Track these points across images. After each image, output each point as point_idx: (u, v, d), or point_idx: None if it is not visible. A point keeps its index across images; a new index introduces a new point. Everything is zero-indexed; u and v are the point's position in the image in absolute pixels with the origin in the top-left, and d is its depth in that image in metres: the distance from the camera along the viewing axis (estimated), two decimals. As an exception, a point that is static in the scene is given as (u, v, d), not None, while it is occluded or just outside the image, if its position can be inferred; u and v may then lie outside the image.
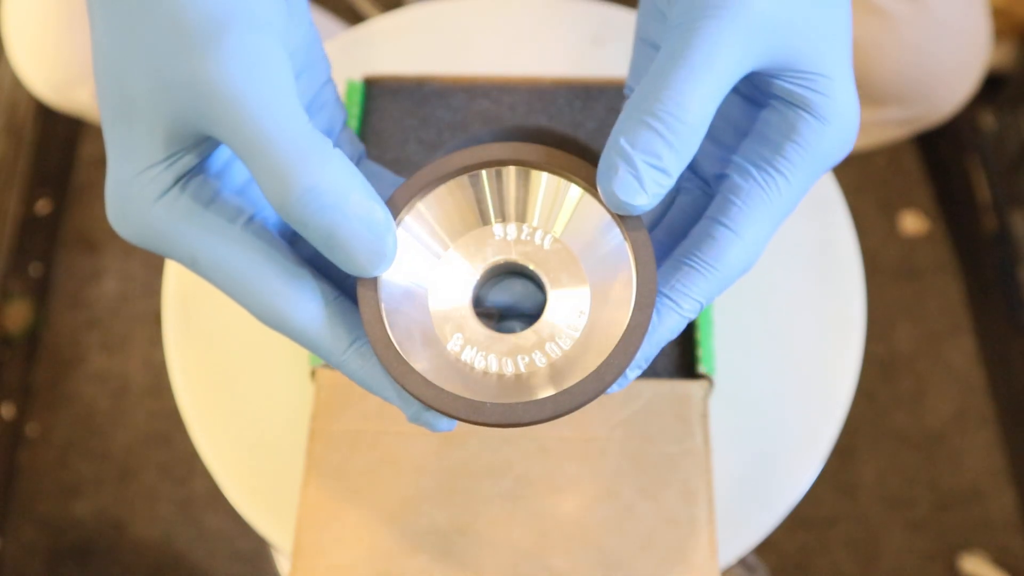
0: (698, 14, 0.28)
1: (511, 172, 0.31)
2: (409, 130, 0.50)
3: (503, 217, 0.31)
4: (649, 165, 0.27)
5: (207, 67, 0.26)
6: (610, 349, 0.28)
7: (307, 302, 0.28)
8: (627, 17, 0.56)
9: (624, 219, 0.29)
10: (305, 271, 0.29)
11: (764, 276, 0.51)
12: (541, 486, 0.41)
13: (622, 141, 0.27)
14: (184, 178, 0.29)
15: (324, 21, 0.81)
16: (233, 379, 0.49)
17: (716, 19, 0.28)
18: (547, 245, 0.31)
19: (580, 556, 0.40)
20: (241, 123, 0.26)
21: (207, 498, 1.00)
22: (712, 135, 0.32)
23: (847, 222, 0.52)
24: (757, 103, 0.31)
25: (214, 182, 0.29)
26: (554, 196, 0.31)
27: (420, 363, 0.29)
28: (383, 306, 0.29)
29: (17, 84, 1.04)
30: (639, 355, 0.29)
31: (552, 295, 0.30)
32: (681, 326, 0.30)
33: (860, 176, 1.15)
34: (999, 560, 0.99)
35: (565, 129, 0.50)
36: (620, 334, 0.28)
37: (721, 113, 0.32)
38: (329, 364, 0.30)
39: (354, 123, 0.49)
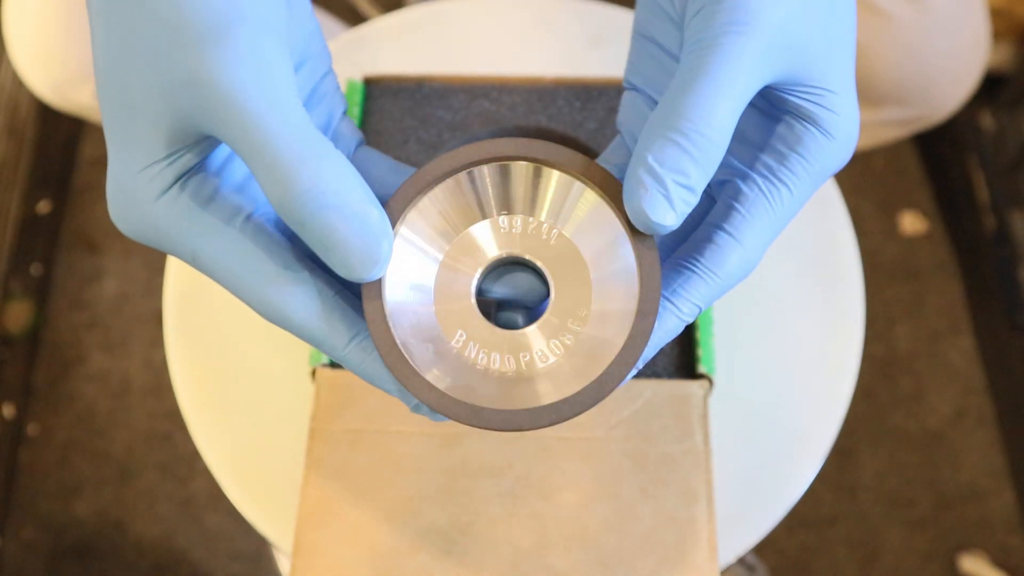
0: (720, 29, 0.28)
1: (521, 167, 0.30)
2: (409, 130, 0.50)
3: (509, 210, 0.31)
4: (677, 184, 0.27)
5: (208, 68, 0.26)
6: (610, 354, 0.28)
7: (305, 298, 0.29)
8: (627, 17, 0.56)
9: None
10: (303, 267, 0.29)
11: (764, 276, 0.51)
12: (541, 486, 0.41)
13: (650, 159, 0.27)
14: (184, 176, 0.29)
15: (324, 21, 0.81)
16: (233, 379, 0.49)
17: (739, 35, 0.28)
18: (553, 241, 0.31)
19: (580, 555, 0.40)
20: (242, 124, 0.26)
21: (207, 498, 1.00)
22: None
23: (847, 222, 0.52)
24: (761, 111, 0.31)
25: (214, 179, 0.30)
26: (565, 195, 0.31)
27: (422, 359, 0.29)
28: (387, 303, 0.29)
29: (18, 85, 1.04)
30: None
31: (555, 290, 0.30)
32: (679, 329, 0.30)
33: (860, 176, 1.15)
34: (998, 560, 0.99)
35: (565, 129, 0.50)
36: (621, 339, 0.28)
37: None
38: (332, 358, 0.30)
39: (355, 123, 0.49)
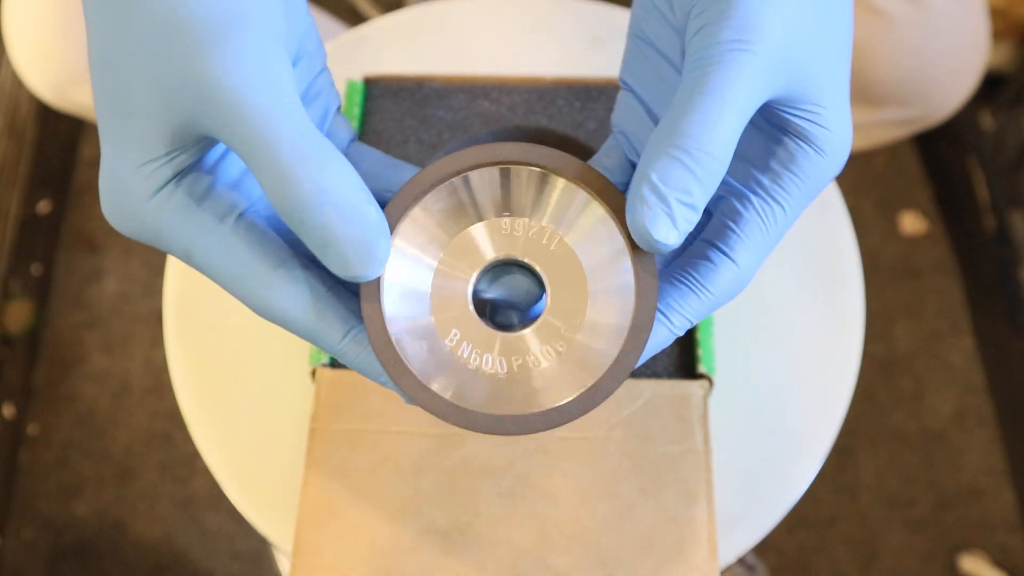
0: (724, 47, 0.28)
1: (526, 172, 0.31)
2: (409, 130, 0.50)
3: (511, 212, 0.31)
4: (680, 202, 0.27)
5: (207, 69, 0.26)
6: (602, 364, 0.29)
7: (297, 293, 0.29)
8: (627, 17, 0.56)
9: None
10: (296, 264, 0.29)
11: (764, 276, 0.51)
12: (541, 486, 0.41)
13: (654, 177, 0.27)
14: (180, 175, 0.29)
15: (324, 21, 0.81)
16: (233, 379, 0.49)
17: (742, 52, 0.28)
18: (554, 246, 0.31)
19: (580, 555, 0.40)
20: (242, 125, 0.26)
21: (207, 498, 1.00)
22: None
23: (847, 222, 0.52)
24: (756, 127, 0.31)
25: (208, 177, 0.30)
26: (569, 203, 0.31)
27: (416, 357, 0.29)
28: (384, 301, 0.29)
29: (19, 85, 1.04)
30: None
31: (551, 295, 0.31)
32: (669, 341, 0.31)
33: (860, 176, 1.15)
34: (998, 560, 0.99)
35: (565, 129, 0.50)
36: (614, 351, 0.29)
37: None
38: (328, 353, 0.31)
39: (354, 123, 0.49)
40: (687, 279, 0.30)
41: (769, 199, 0.30)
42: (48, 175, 1.12)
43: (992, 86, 1.06)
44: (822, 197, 0.53)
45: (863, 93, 0.70)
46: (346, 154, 0.33)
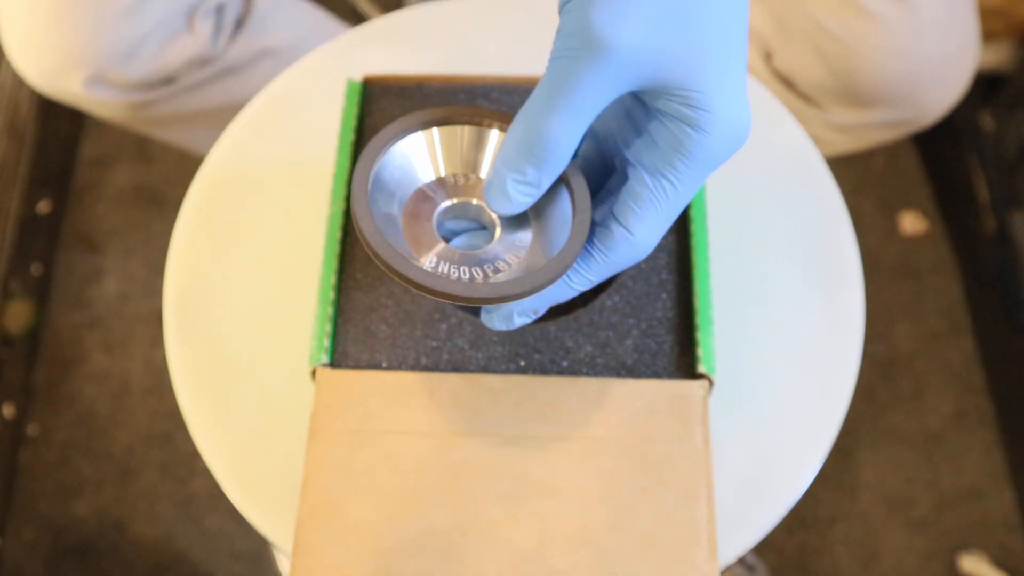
0: (567, 53, 0.32)
1: (466, 130, 0.38)
2: (409, 130, 0.50)
3: (458, 165, 0.38)
4: (516, 181, 0.34)
5: None
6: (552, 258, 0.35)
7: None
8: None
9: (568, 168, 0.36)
10: None
11: (764, 276, 0.51)
12: (541, 486, 0.41)
13: (498, 162, 0.34)
14: None
15: (324, 21, 0.81)
16: (233, 379, 0.49)
17: (573, 60, 0.32)
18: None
19: (580, 556, 0.40)
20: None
21: (207, 498, 1.00)
22: (615, 134, 0.37)
23: (847, 222, 0.52)
24: (649, 112, 0.34)
25: None
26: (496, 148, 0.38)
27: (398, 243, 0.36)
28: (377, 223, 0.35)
29: (19, 85, 1.04)
30: (556, 291, 0.36)
31: (500, 221, 0.37)
32: (569, 295, 0.36)
33: (859, 176, 1.15)
34: (998, 560, 0.99)
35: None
36: (559, 247, 0.35)
37: (621, 114, 0.36)
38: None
39: (354, 123, 0.49)
40: (589, 247, 0.35)
41: (661, 177, 0.34)
42: (48, 175, 1.12)
43: (992, 86, 1.06)
44: (822, 197, 0.53)
45: (852, 95, 0.70)
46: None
